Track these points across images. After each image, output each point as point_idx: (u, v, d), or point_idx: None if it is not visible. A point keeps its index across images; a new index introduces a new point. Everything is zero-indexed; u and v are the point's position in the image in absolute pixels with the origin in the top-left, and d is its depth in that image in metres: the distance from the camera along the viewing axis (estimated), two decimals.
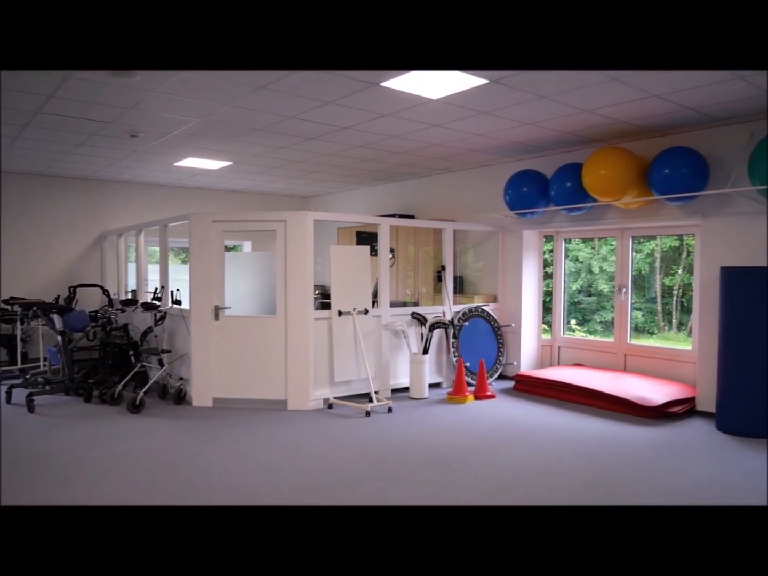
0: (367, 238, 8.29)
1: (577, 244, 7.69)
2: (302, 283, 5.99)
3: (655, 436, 5.05)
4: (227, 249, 9.23)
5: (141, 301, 7.00)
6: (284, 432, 5.16)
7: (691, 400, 5.82)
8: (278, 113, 5.30)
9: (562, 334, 7.56)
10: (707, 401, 5.69)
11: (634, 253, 6.90)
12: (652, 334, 7.08)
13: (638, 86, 4.46)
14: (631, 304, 6.89)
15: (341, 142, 6.43)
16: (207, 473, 4.13)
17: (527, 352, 7.53)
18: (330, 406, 6.04)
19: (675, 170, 5.41)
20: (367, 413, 5.74)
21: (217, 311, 6.09)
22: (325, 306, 6.55)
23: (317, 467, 4.26)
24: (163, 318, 6.32)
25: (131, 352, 6.36)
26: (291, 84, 4.47)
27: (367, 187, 9.82)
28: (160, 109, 5.14)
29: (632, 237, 6.82)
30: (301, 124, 5.66)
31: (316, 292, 8.21)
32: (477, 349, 7.17)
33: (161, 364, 6.24)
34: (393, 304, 6.86)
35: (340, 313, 6.16)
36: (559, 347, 7.53)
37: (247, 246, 10.59)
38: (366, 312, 6.33)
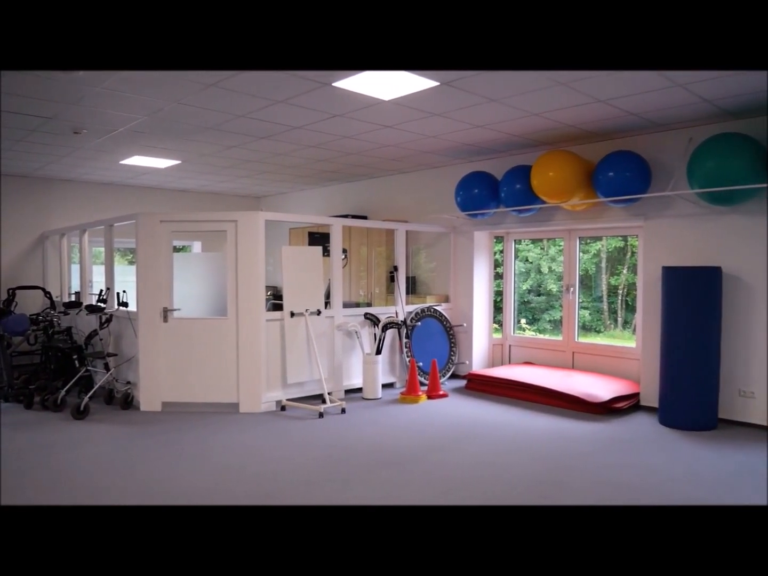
0: (319, 238, 8.25)
1: (527, 245, 7.85)
2: (254, 284, 5.92)
3: (602, 431, 5.19)
4: (176, 249, 9.03)
5: (85, 304, 6.78)
6: (237, 435, 5.08)
7: (635, 396, 6.01)
8: (228, 112, 5.22)
9: (512, 333, 7.70)
10: (650, 396, 5.89)
11: (581, 254, 7.08)
12: (598, 332, 7.29)
13: (584, 91, 4.58)
14: (579, 303, 7.07)
15: (293, 141, 6.38)
16: (158, 478, 4.02)
17: (479, 351, 7.63)
18: (283, 408, 5.98)
19: (619, 173, 5.58)
20: (321, 414, 5.71)
21: (166, 313, 5.95)
22: (278, 307, 6.48)
23: (271, 470, 4.21)
24: (108, 321, 6.15)
25: (75, 356, 6.15)
26: (241, 82, 4.40)
27: (320, 188, 9.77)
28: (105, 105, 4.99)
29: (579, 238, 7.00)
30: (252, 123, 5.59)
31: (268, 293, 8.11)
32: (429, 348, 7.23)
33: (107, 368, 6.06)
34: (346, 305, 6.85)
35: (292, 314, 6.10)
36: (509, 346, 7.67)
37: (197, 246, 10.39)
38: (319, 313, 6.30)
